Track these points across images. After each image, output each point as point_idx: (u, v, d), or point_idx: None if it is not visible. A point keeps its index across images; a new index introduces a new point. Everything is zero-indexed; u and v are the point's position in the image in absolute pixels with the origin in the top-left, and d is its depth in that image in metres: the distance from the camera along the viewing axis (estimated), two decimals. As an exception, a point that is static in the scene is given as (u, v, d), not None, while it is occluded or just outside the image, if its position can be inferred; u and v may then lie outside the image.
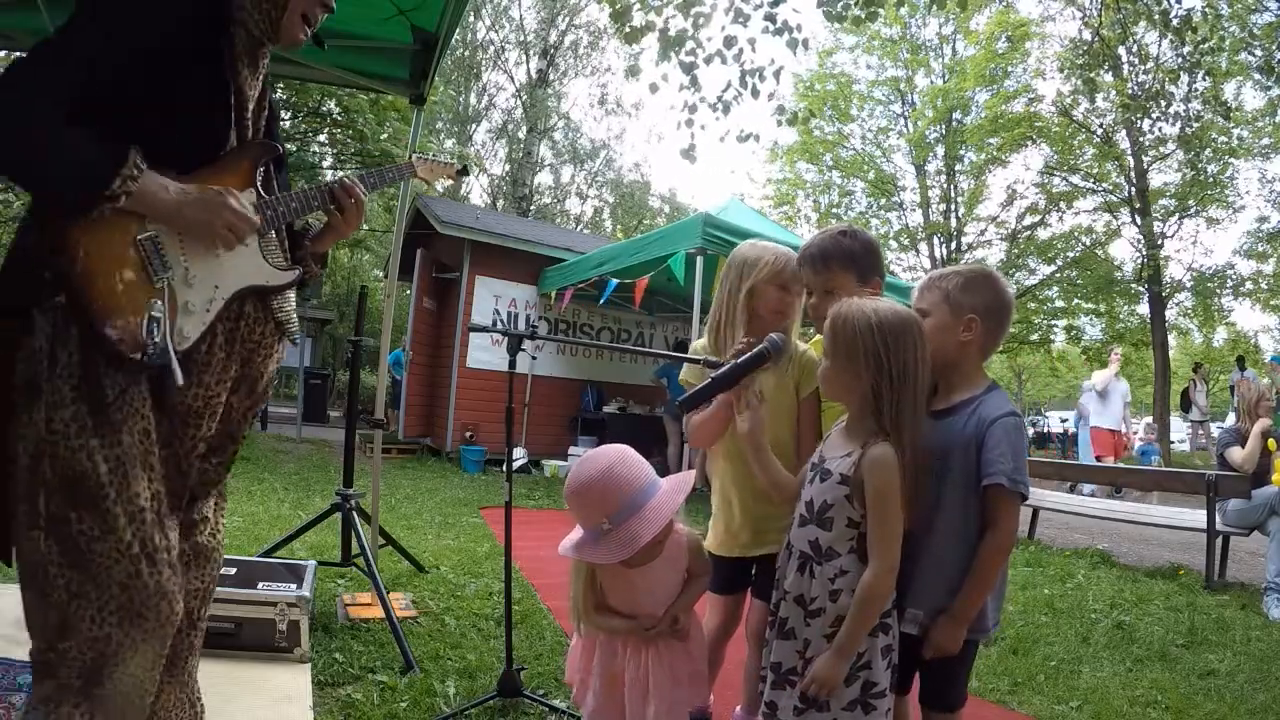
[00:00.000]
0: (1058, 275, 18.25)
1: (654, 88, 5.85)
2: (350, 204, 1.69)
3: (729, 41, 5.34)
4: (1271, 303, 17.09)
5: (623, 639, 1.54)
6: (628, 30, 5.24)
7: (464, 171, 2.17)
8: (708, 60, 5.42)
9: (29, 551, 1.29)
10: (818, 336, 1.95)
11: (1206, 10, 6.87)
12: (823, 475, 1.52)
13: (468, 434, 9.13)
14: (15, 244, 1.36)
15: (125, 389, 1.33)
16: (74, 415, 1.29)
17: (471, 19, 21.50)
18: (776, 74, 5.57)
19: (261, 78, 1.60)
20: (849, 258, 1.79)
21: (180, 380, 1.36)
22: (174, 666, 1.58)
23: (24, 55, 1.32)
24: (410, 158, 2.01)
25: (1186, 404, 13.45)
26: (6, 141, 1.25)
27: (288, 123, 11.25)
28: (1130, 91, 12.49)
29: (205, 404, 1.47)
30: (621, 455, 1.47)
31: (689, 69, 5.43)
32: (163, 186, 1.35)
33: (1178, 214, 17.04)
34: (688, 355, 1.95)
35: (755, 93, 5.60)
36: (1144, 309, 17.27)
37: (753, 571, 1.95)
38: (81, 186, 1.28)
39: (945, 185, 19.55)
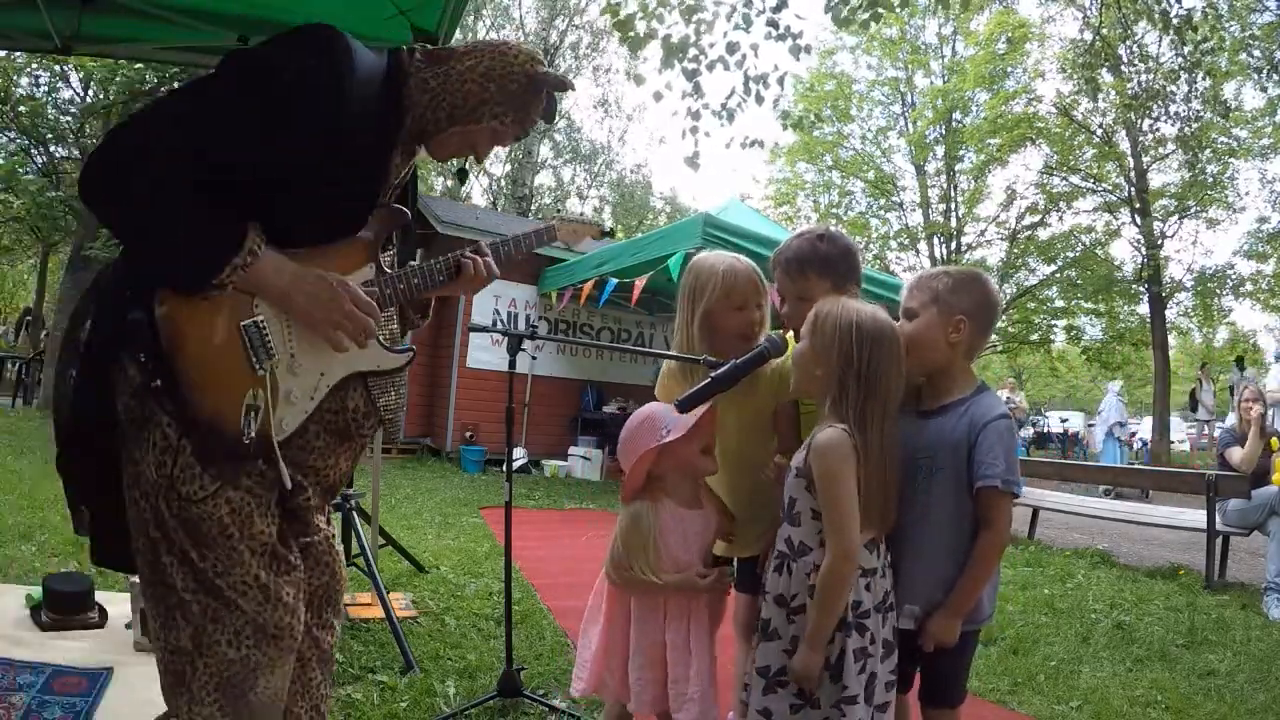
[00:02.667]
0: (1058, 275, 18.23)
1: (658, 96, 5.87)
2: (472, 273, 1.52)
3: (731, 48, 5.33)
4: (1271, 303, 17.09)
5: (663, 606, 1.70)
6: (631, 37, 5.23)
7: (610, 233, 2.04)
8: (710, 67, 5.41)
9: (160, 572, 1.25)
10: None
11: (1207, 10, 6.86)
12: (791, 472, 1.54)
13: (468, 434, 9.13)
14: (110, 278, 1.29)
15: None
16: (190, 466, 1.21)
17: (471, 19, 21.49)
18: (780, 80, 5.55)
19: (411, 162, 1.48)
20: (825, 264, 1.75)
21: (289, 484, 1.31)
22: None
23: (181, 111, 1.20)
24: (553, 219, 1.88)
25: (1194, 403, 13.48)
26: (135, 212, 1.16)
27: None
28: (1130, 91, 12.48)
29: (303, 477, 1.38)
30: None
31: (691, 75, 5.42)
32: (277, 269, 1.24)
33: (1178, 214, 17.03)
34: (686, 355, 1.95)
35: (759, 99, 5.58)
36: (1144, 309, 17.27)
37: (733, 565, 1.96)
38: (191, 271, 1.19)
39: (945, 185, 19.52)
